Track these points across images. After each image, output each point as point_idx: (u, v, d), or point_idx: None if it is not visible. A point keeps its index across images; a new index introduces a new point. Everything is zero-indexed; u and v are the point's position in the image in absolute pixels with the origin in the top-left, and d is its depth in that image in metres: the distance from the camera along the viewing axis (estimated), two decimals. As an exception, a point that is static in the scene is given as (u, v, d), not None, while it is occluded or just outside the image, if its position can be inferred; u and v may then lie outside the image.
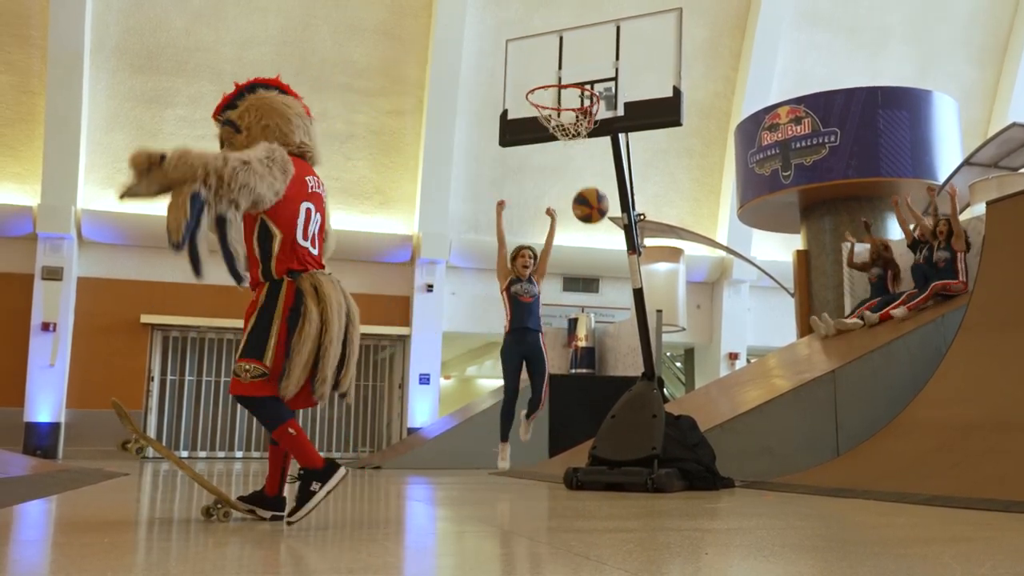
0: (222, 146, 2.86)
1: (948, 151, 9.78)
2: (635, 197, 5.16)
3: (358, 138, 13.24)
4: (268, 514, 2.83)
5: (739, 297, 14.82)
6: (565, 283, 13.91)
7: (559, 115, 4.97)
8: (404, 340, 13.40)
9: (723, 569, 1.93)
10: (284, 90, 2.90)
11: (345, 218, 13.18)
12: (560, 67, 5.07)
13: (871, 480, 4.20)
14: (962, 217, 7.15)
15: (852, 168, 9.49)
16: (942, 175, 9.37)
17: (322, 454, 2.71)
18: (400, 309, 13.35)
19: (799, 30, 14.68)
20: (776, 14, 14.20)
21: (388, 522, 3.08)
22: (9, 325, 11.84)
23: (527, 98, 4.92)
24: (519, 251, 5.85)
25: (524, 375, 5.68)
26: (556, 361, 10.31)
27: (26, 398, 11.68)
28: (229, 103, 2.85)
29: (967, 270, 6.29)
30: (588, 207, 4.99)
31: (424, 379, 13.16)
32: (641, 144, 12.51)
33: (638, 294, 5.13)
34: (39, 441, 11.53)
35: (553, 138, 4.94)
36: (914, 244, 6.75)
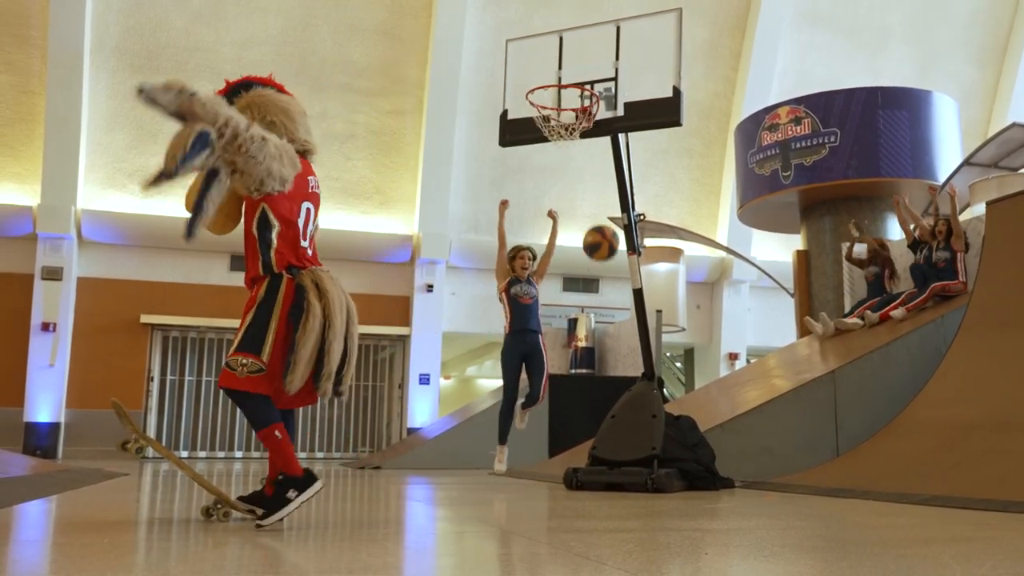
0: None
1: (948, 151, 9.78)
2: (635, 197, 5.16)
3: (358, 138, 13.24)
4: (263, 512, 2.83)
5: (739, 297, 14.82)
6: (565, 283, 13.91)
7: (559, 115, 4.97)
8: (404, 340, 13.40)
9: (723, 569, 1.93)
10: (279, 89, 2.88)
11: (345, 218, 13.18)
12: (560, 67, 5.07)
13: (871, 480, 4.20)
14: (962, 217, 7.15)
15: (852, 168, 9.49)
16: (942, 175, 9.37)
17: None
18: (400, 309, 13.35)
19: (799, 30, 14.68)
20: (776, 14, 14.20)
21: (388, 522, 3.07)
22: (9, 325, 11.84)
23: (527, 98, 4.92)
24: (518, 251, 5.78)
25: (523, 376, 5.66)
26: (556, 361, 10.31)
27: (26, 398, 11.67)
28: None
29: (966, 270, 6.29)
30: (602, 236, 4.97)
31: (424, 379, 13.16)
32: (641, 144, 12.51)
33: (638, 294, 5.13)
34: (39, 441, 11.53)
35: (558, 139, 4.93)
36: (914, 244, 6.75)
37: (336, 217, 13.09)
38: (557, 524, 3.05)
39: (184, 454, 12.30)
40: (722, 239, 14.05)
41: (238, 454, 12.75)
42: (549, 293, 11.36)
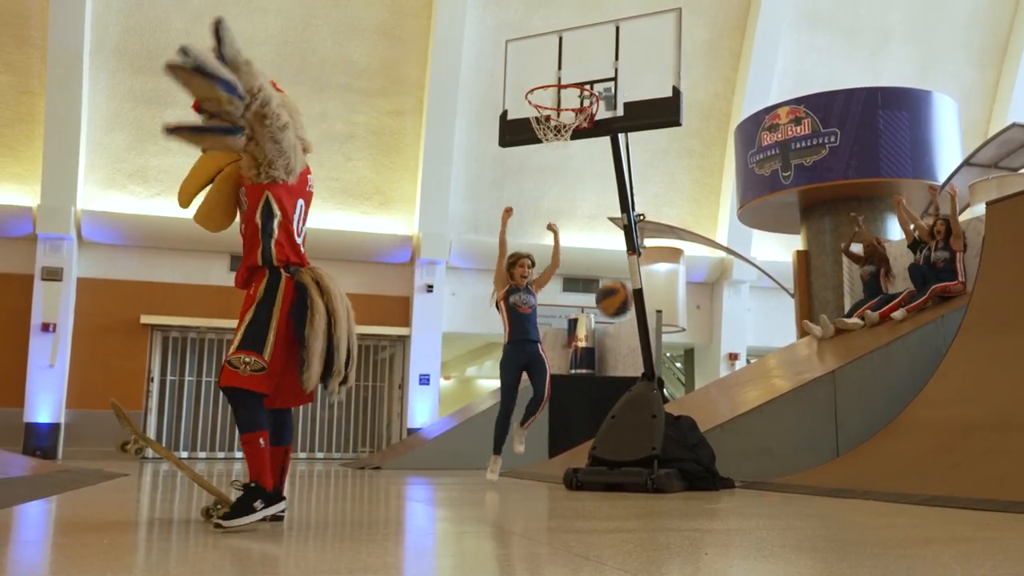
0: None
1: (948, 152, 9.78)
2: (635, 197, 5.16)
3: (358, 138, 13.24)
4: (269, 510, 2.83)
5: (739, 297, 14.82)
6: (565, 283, 13.91)
7: (559, 115, 4.97)
8: (404, 340, 13.40)
9: (723, 569, 1.93)
10: (272, 86, 2.90)
11: (345, 218, 13.18)
12: (560, 67, 5.07)
13: (871, 480, 4.20)
14: (962, 217, 7.14)
15: (852, 168, 9.49)
16: (942, 176, 9.37)
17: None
18: (400, 309, 13.35)
19: (799, 31, 14.68)
20: (776, 14, 14.20)
21: (388, 522, 3.07)
22: (9, 326, 11.84)
23: (527, 98, 4.92)
24: (518, 258, 5.52)
25: (524, 379, 5.57)
26: (556, 361, 10.30)
27: (26, 399, 11.67)
28: None
29: (965, 270, 6.29)
30: (622, 286, 4.90)
31: (424, 379, 13.16)
32: (641, 144, 12.52)
33: (638, 294, 5.13)
34: (39, 442, 11.53)
35: (550, 140, 4.93)
36: (914, 244, 6.74)
37: (336, 217, 13.09)
38: (557, 524, 3.05)
39: (184, 455, 12.30)
40: (722, 239, 14.05)
41: (238, 455, 12.75)
42: (549, 293, 11.32)
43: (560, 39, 5.13)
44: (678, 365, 16.81)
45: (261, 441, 2.60)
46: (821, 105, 9.76)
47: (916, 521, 2.92)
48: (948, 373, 4.92)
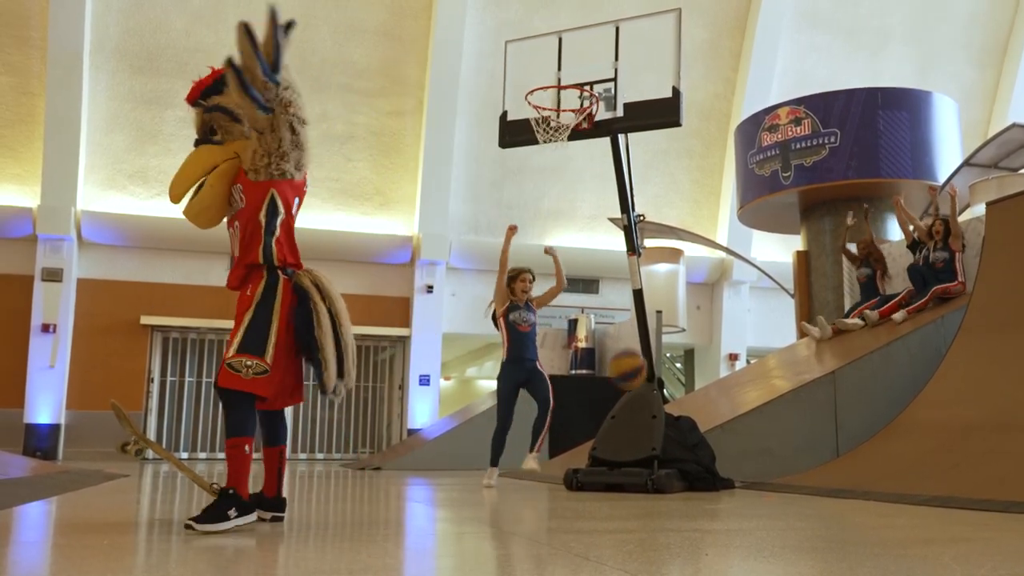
0: (208, 133, 2.77)
1: (948, 152, 9.78)
2: (635, 198, 5.16)
3: (358, 139, 13.24)
4: (268, 515, 2.83)
5: (739, 298, 14.82)
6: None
7: (559, 116, 4.97)
8: (404, 341, 13.40)
9: (723, 570, 1.93)
10: None
11: (345, 219, 13.18)
12: (560, 68, 5.07)
13: (871, 481, 4.20)
14: (962, 218, 7.14)
15: (852, 169, 9.49)
16: (942, 176, 9.37)
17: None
18: (400, 310, 13.35)
19: (799, 31, 14.69)
20: (776, 15, 14.20)
21: (388, 523, 3.08)
22: (9, 326, 11.84)
23: (527, 99, 4.92)
24: (519, 273, 5.34)
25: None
26: (556, 362, 10.31)
27: (26, 399, 11.67)
28: (212, 89, 2.76)
29: (964, 270, 6.29)
30: (633, 361, 4.81)
31: (424, 380, 13.16)
32: (641, 145, 12.52)
33: (638, 295, 5.13)
34: (39, 442, 11.53)
35: (547, 140, 4.93)
36: (913, 245, 6.75)
37: (336, 218, 13.09)
38: (557, 525, 3.05)
39: (184, 455, 12.30)
40: (722, 240, 14.05)
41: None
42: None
43: (560, 40, 5.13)
44: (678, 365, 16.81)
45: (247, 448, 2.59)
46: (821, 105, 9.76)
47: (916, 521, 2.92)
48: (948, 374, 4.93)
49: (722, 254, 13.99)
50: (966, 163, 9.34)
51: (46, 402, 11.73)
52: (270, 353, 2.57)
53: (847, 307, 7.62)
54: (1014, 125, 9.18)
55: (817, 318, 7.29)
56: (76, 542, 2.34)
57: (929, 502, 3.51)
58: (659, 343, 8.47)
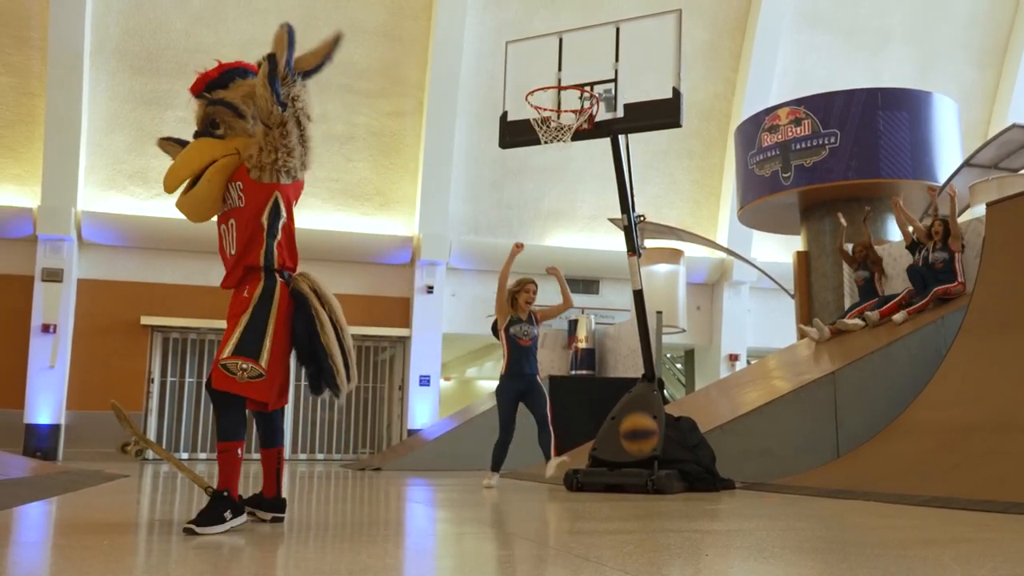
0: (211, 127, 2.72)
1: (948, 152, 9.78)
2: (635, 198, 5.16)
3: (358, 139, 13.24)
4: (268, 515, 2.83)
5: (739, 298, 14.82)
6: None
7: (559, 117, 4.97)
8: (404, 342, 13.40)
9: (723, 571, 1.93)
10: None
11: (345, 219, 13.18)
12: (560, 69, 5.08)
13: (871, 481, 4.20)
14: (962, 218, 7.14)
15: (852, 169, 9.49)
16: (942, 176, 9.37)
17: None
18: (400, 310, 13.34)
19: (799, 31, 14.69)
20: (776, 15, 14.20)
21: (388, 523, 3.07)
22: (9, 327, 11.84)
23: (527, 100, 4.93)
24: (523, 285, 5.25)
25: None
26: (556, 363, 10.31)
27: (26, 400, 11.67)
28: (217, 82, 2.73)
29: (964, 270, 6.29)
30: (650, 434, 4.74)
31: (424, 381, 13.16)
32: (641, 146, 12.52)
33: (638, 295, 5.13)
34: (39, 443, 11.53)
35: (550, 140, 4.94)
36: (912, 245, 6.74)
37: (336, 218, 13.09)
38: (557, 525, 3.05)
39: (184, 456, 12.30)
40: (722, 240, 14.05)
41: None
42: (550, 295, 11.36)
43: (560, 40, 5.13)
44: (678, 366, 16.81)
45: (239, 451, 2.59)
46: (821, 106, 9.76)
47: (916, 522, 2.92)
48: (948, 374, 4.92)
49: (722, 255, 13.98)
50: (966, 163, 9.34)
51: (46, 402, 11.73)
52: (265, 357, 2.55)
53: (847, 308, 7.63)
54: (1014, 126, 9.18)
55: (814, 320, 7.30)
56: (76, 542, 2.33)
57: (929, 503, 3.51)
58: (659, 343, 8.47)
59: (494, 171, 13.66)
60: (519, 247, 5.36)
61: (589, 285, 13.88)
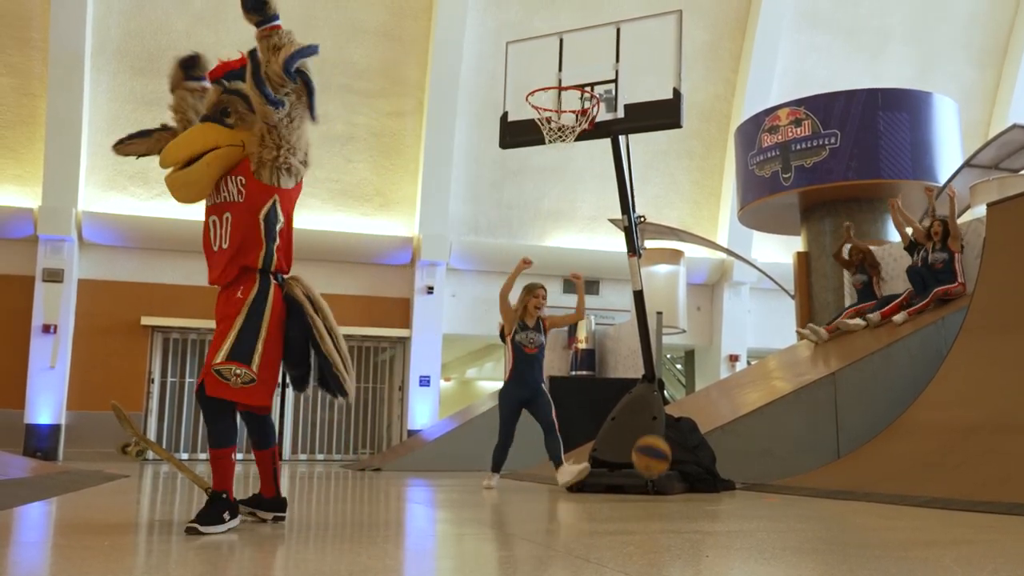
0: (220, 114, 2.67)
1: (948, 153, 9.78)
2: (635, 199, 5.16)
3: (358, 140, 13.24)
4: (269, 515, 2.83)
5: (739, 299, 14.81)
6: (565, 285, 13.90)
7: (559, 117, 4.97)
8: (404, 342, 13.40)
9: (723, 572, 1.93)
10: None
11: (345, 220, 13.18)
12: (560, 69, 5.08)
13: (872, 482, 4.20)
14: (963, 219, 7.14)
15: (852, 170, 9.49)
16: (942, 177, 9.37)
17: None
18: (400, 311, 13.34)
19: (799, 32, 14.69)
20: (776, 15, 14.20)
21: (388, 524, 3.07)
22: (10, 327, 11.84)
23: (527, 100, 4.93)
24: (534, 289, 5.08)
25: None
26: (557, 363, 10.31)
27: (26, 400, 11.67)
28: (237, 74, 2.69)
29: (964, 271, 6.29)
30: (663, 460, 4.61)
31: (424, 381, 13.16)
32: (641, 146, 12.51)
33: (638, 296, 5.13)
34: (39, 443, 11.53)
35: (554, 140, 4.94)
36: (911, 246, 6.74)
37: (336, 219, 13.09)
38: (557, 526, 3.05)
39: (184, 456, 12.30)
40: (722, 241, 14.05)
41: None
42: (550, 295, 11.42)
43: (561, 41, 5.14)
44: (678, 367, 16.80)
45: (233, 456, 2.59)
46: (821, 106, 9.76)
47: (917, 523, 2.92)
48: (949, 375, 4.92)
49: (722, 255, 13.98)
50: (967, 164, 9.34)
51: (46, 403, 11.73)
52: (257, 362, 2.53)
53: (844, 308, 7.65)
54: (1015, 126, 9.18)
55: (809, 326, 7.32)
56: (76, 543, 2.33)
57: (930, 504, 3.51)
58: (659, 344, 8.47)
59: (494, 171, 13.66)
60: (527, 263, 5.16)
61: (589, 286, 13.87)
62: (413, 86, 13.33)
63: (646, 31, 5.01)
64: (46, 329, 11.80)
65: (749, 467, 5.10)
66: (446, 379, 17.85)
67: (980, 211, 7.13)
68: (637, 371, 5.70)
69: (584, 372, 9.89)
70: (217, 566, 1.95)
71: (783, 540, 2.46)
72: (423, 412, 13.03)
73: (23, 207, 12.05)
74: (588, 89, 4.95)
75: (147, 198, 12.56)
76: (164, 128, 2.89)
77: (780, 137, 9.97)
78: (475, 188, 13.70)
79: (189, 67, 2.87)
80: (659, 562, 2.01)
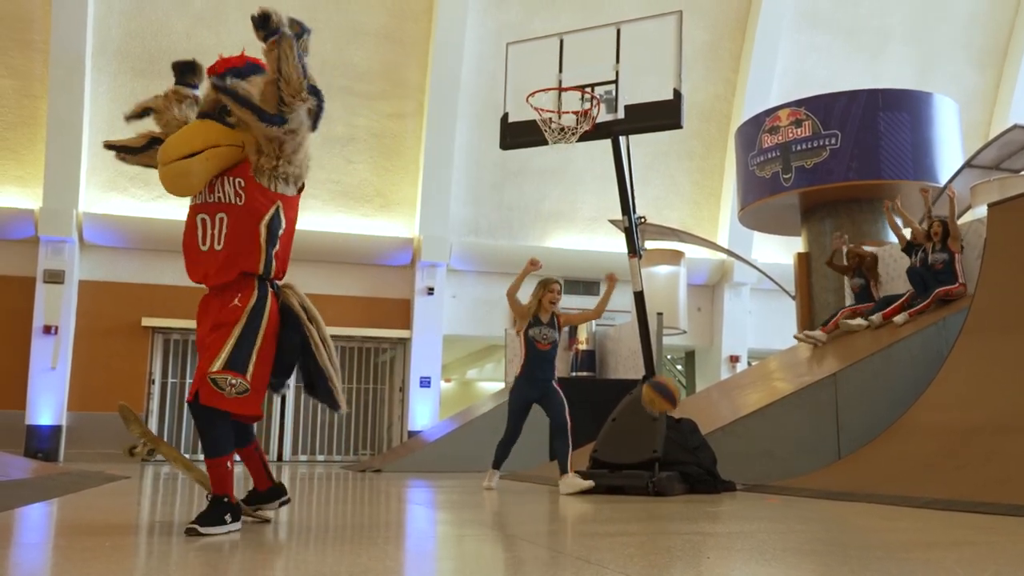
0: (220, 112, 2.63)
1: (949, 153, 9.78)
2: (636, 200, 5.16)
3: (359, 141, 13.25)
4: (272, 508, 2.85)
5: (740, 300, 14.81)
6: (565, 286, 13.90)
7: (560, 118, 4.97)
8: (405, 343, 13.40)
9: (724, 573, 1.93)
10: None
11: (346, 221, 13.19)
12: (561, 70, 5.08)
13: (873, 483, 4.20)
14: (963, 219, 7.14)
15: (853, 170, 9.48)
16: (943, 177, 9.37)
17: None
18: (401, 312, 13.35)
19: (799, 32, 14.69)
20: (776, 16, 14.20)
21: (388, 525, 3.07)
22: (11, 328, 11.85)
23: (527, 101, 4.93)
24: (549, 284, 5.00)
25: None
26: (557, 364, 10.29)
27: (27, 401, 11.68)
28: (236, 72, 2.65)
29: (964, 271, 6.29)
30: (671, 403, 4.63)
31: (425, 382, 13.16)
32: (642, 147, 12.51)
33: (639, 297, 5.13)
34: (40, 444, 11.54)
35: (556, 141, 4.94)
36: (908, 247, 6.75)
37: (337, 220, 13.09)
38: (558, 527, 3.05)
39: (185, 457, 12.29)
40: (723, 241, 14.04)
41: (238, 456, 12.72)
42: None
43: (561, 42, 5.14)
44: (679, 367, 16.79)
45: (229, 464, 2.58)
46: (822, 107, 9.76)
47: (918, 525, 2.92)
48: (950, 376, 4.92)
49: (723, 256, 13.98)
50: (967, 165, 9.34)
51: (47, 403, 11.74)
52: (251, 371, 2.51)
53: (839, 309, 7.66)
54: (1015, 126, 9.17)
55: (804, 333, 7.34)
56: (77, 544, 2.33)
57: (931, 505, 3.51)
58: (660, 345, 8.46)
59: (494, 173, 13.66)
60: (535, 265, 5.06)
61: (590, 287, 13.87)
62: (414, 88, 13.34)
63: (646, 32, 5.01)
64: (47, 330, 11.81)
65: (750, 468, 5.10)
66: (446, 380, 17.85)
67: (981, 212, 7.13)
68: (637, 372, 5.70)
69: (584, 373, 9.89)
70: (217, 567, 1.95)
71: (784, 541, 2.46)
72: (423, 413, 13.03)
73: (24, 208, 12.06)
74: (588, 90, 4.96)
75: (148, 199, 12.57)
76: (151, 143, 2.86)
77: (780, 138, 9.97)
78: (475, 189, 13.70)
79: (184, 72, 2.85)
80: (660, 563, 2.01)
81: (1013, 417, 4.17)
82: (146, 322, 12.38)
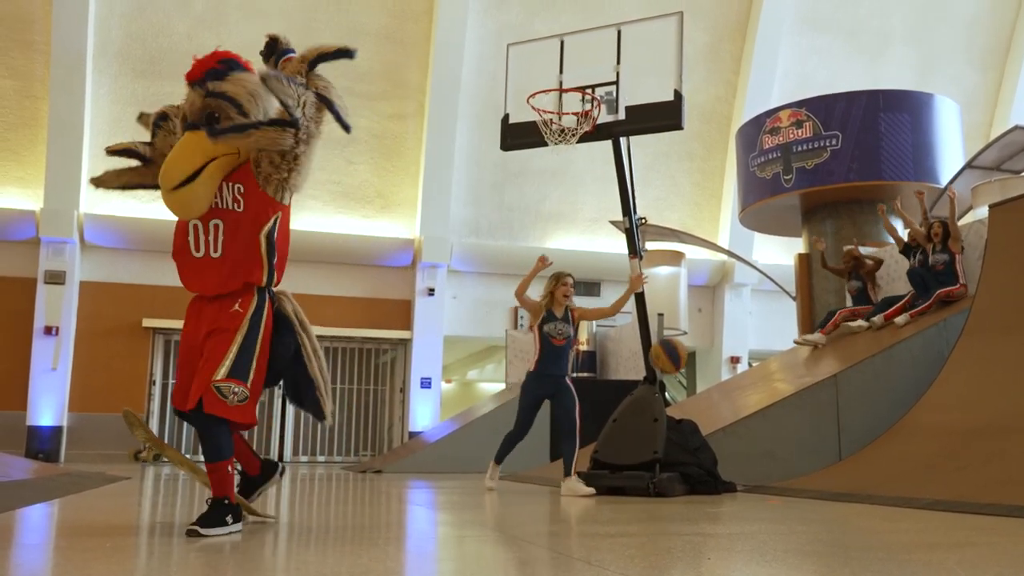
0: (208, 120, 2.55)
1: (950, 154, 9.78)
2: (636, 201, 5.16)
3: (359, 142, 13.25)
4: (276, 476, 2.86)
5: (741, 301, 14.81)
6: (566, 287, 13.92)
7: (560, 119, 4.98)
8: (405, 344, 13.40)
9: (725, 574, 1.93)
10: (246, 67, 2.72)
11: (346, 222, 13.19)
12: (561, 71, 5.08)
13: (874, 484, 4.19)
14: (964, 220, 7.14)
15: (853, 171, 9.48)
16: (944, 178, 9.37)
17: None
18: (401, 313, 13.35)
19: (800, 33, 14.69)
20: (777, 17, 14.21)
21: (389, 526, 3.07)
22: (11, 329, 11.86)
23: (528, 102, 4.93)
24: (562, 278, 4.96)
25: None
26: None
27: (28, 402, 11.68)
28: (214, 73, 2.57)
29: (965, 272, 6.29)
30: (675, 367, 4.68)
31: (425, 383, 13.16)
32: (642, 148, 12.51)
33: (639, 298, 5.13)
34: (41, 445, 11.54)
35: (557, 142, 4.94)
36: (906, 249, 6.74)
37: (337, 221, 13.10)
38: (558, 528, 3.05)
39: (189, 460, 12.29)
40: (723, 242, 14.04)
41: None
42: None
43: (562, 43, 5.14)
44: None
45: (230, 468, 2.58)
46: (822, 108, 9.76)
47: (920, 526, 2.92)
48: (951, 377, 4.92)
49: (723, 257, 13.98)
50: (968, 166, 9.34)
51: (48, 404, 11.74)
52: (251, 379, 2.52)
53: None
54: (1016, 127, 9.17)
55: (802, 337, 7.35)
56: (78, 544, 2.33)
57: (933, 506, 3.50)
58: (661, 346, 8.43)
59: (495, 173, 13.66)
60: (545, 262, 5.02)
61: (590, 287, 13.88)
62: (414, 88, 13.35)
63: (647, 33, 5.02)
64: (48, 331, 11.81)
65: (751, 469, 5.10)
66: (447, 381, 17.85)
67: (982, 213, 7.13)
68: (638, 373, 5.70)
69: (585, 374, 9.88)
70: (218, 568, 1.95)
71: (785, 542, 2.45)
72: (424, 414, 13.03)
73: (25, 209, 12.07)
74: (589, 91, 4.96)
75: (148, 200, 12.56)
76: (144, 161, 2.85)
77: (781, 139, 9.96)
78: (476, 190, 13.71)
79: (156, 122, 2.85)
80: (660, 564, 2.00)
81: (1014, 418, 4.17)
82: (147, 323, 12.38)
